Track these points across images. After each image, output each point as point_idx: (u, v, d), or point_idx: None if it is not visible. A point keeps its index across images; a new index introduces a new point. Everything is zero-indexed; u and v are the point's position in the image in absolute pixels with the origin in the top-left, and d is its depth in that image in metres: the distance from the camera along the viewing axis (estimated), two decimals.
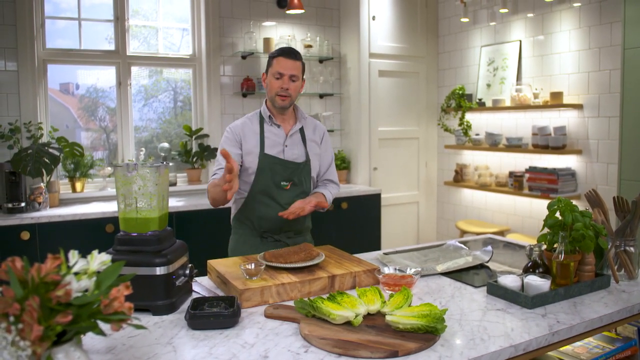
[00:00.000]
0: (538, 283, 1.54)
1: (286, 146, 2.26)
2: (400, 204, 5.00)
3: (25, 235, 3.15)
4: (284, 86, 2.19)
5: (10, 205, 3.31)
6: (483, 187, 4.52)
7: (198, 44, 4.32)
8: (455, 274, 1.85)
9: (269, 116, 2.27)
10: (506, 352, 1.25)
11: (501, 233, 4.31)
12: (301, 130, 2.32)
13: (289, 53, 2.20)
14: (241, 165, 2.22)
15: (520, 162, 4.37)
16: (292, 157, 2.26)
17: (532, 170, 4.10)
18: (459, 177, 4.82)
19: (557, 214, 1.69)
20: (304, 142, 2.31)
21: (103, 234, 3.34)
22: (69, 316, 0.85)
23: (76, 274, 0.94)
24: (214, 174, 2.20)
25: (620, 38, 3.34)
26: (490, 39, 4.58)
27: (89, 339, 1.26)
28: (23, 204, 3.34)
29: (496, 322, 1.39)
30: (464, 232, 4.51)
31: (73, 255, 0.96)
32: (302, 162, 2.27)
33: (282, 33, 4.50)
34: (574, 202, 1.84)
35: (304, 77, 2.29)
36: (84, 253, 0.99)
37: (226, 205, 2.22)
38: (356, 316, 1.34)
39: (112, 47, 4.05)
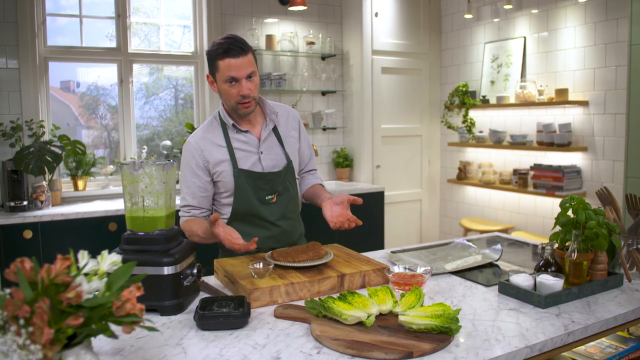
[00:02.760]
0: (551, 282, 1.52)
1: (261, 153, 1.94)
2: (403, 202, 4.98)
3: (28, 234, 3.13)
4: (243, 92, 1.80)
5: (12, 204, 3.28)
6: (487, 184, 4.49)
7: (200, 41, 4.29)
8: (464, 273, 1.83)
9: (233, 124, 1.92)
10: (522, 353, 1.22)
11: (505, 231, 4.30)
12: (274, 128, 1.99)
13: (233, 50, 1.77)
14: (214, 183, 1.95)
15: (525, 159, 4.35)
16: (271, 164, 1.95)
17: (536, 167, 4.08)
18: (463, 175, 4.79)
19: (570, 212, 1.66)
20: (281, 142, 2.00)
21: (106, 233, 3.31)
22: (80, 319, 0.82)
23: (86, 274, 0.92)
24: (184, 212, 1.95)
25: (627, 34, 3.31)
26: (494, 36, 4.55)
27: (96, 340, 1.24)
28: (25, 203, 3.32)
29: (510, 322, 1.37)
30: (467, 230, 4.49)
31: (83, 255, 0.93)
32: (284, 168, 1.97)
33: (284, 30, 4.47)
34: None
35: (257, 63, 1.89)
36: (87, 252, 0.96)
37: None
38: (368, 316, 1.32)
39: (113, 44, 4.02)
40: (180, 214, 1.97)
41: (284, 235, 2.02)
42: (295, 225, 2.09)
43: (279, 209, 1.98)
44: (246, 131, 1.94)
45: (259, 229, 1.96)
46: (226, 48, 1.78)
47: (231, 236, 1.65)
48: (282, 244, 2.03)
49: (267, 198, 1.94)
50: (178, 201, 3.55)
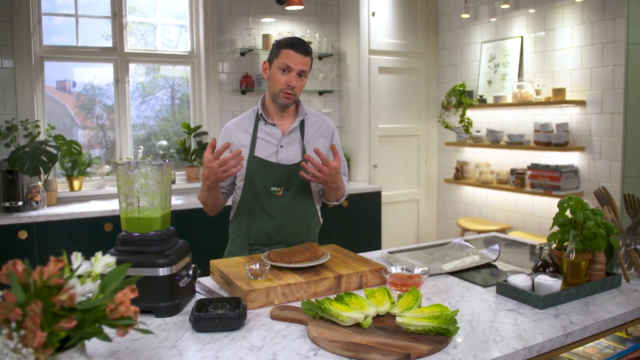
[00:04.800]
0: (549, 283, 1.51)
1: (281, 146, 2.02)
2: (400, 202, 4.97)
3: (23, 235, 3.11)
4: (290, 83, 1.95)
5: (7, 204, 3.26)
6: (484, 184, 4.49)
7: (196, 41, 4.27)
8: (462, 274, 1.82)
9: (261, 114, 2.04)
10: (520, 355, 1.22)
11: (502, 231, 4.29)
12: (301, 126, 2.07)
13: (299, 47, 1.95)
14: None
15: (522, 159, 4.34)
16: (287, 158, 2.02)
17: (534, 167, 4.07)
18: (460, 175, 4.79)
19: (568, 212, 1.65)
20: (302, 139, 2.07)
21: (102, 233, 3.30)
22: (73, 321, 0.81)
23: (80, 276, 0.90)
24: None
25: (624, 34, 3.31)
26: (491, 35, 4.55)
27: (90, 343, 1.22)
28: (20, 203, 3.30)
29: (508, 323, 1.36)
30: (464, 230, 4.49)
31: (76, 257, 0.92)
32: (296, 164, 2.01)
33: (281, 29, 4.46)
34: None
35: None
36: (83, 252, 0.95)
37: (227, 204, 2.14)
38: (365, 318, 1.31)
39: (109, 44, 4.00)
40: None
41: (281, 231, 2.02)
42: (298, 227, 2.06)
43: (282, 204, 2.01)
44: (273, 124, 2.05)
45: (258, 219, 2.02)
46: (294, 42, 1.96)
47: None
48: (279, 241, 2.04)
49: (272, 189, 2.00)
50: (177, 201, 3.56)
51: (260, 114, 2.04)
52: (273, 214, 2.01)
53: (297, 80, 1.96)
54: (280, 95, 1.98)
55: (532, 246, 2.26)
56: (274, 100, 2.02)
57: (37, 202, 3.39)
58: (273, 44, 2.01)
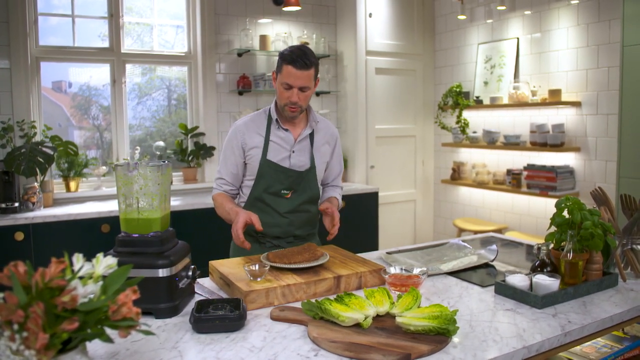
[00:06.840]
0: (547, 282, 1.52)
1: (293, 152, 2.10)
2: (397, 202, 4.98)
3: (19, 236, 3.09)
4: (292, 99, 1.99)
5: (3, 205, 3.24)
6: (480, 185, 4.50)
7: (193, 42, 4.27)
8: (460, 274, 1.83)
9: (277, 119, 2.09)
10: (519, 354, 1.22)
11: (499, 231, 4.31)
12: (310, 134, 2.14)
13: (299, 63, 1.94)
14: (245, 165, 2.11)
15: (518, 159, 4.36)
16: (299, 164, 2.10)
17: (530, 168, 4.09)
18: (456, 175, 4.80)
19: (565, 212, 1.66)
20: (312, 147, 2.15)
21: (99, 234, 3.29)
22: (76, 323, 0.81)
23: (81, 278, 0.90)
24: (217, 185, 2.14)
25: (619, 35, 3.33)
26: (488, 37, 4.57)
27: (90, 344, 1.22)
28: (17, 204, 3.28)
29: (507, 323, 1.37)
30: (461, 230, 4.50)
31: (77, 258, 0.92)
32: (306, 170, 2.11)
33: (278, 30, 4.46)
34: None
35: (318, 76, 2.07)
36: (80, 254, 0.95)
37: None
38: (365, 318, 1.31)
39: (105, 44, 3.99)
40: (214, 185, 2.19)
41: (291, 226, 2.11)
42: (306, 223, 2.17)
43: (291, 205, 2.10)
44: (286, 129, 2.10)
45: (268, 216, 2.08)
46: (294, 58, 1.95)
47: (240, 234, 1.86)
48: (287, 236, 2.13)
49: (282, 192, 2.09)
50: (174, 202, 3.56)
51: (276, 119, 2.08)
52: (283, 213, 2.10)
53: (299, 95, 1.99)
54: (285, 109, 2.04)
55: (529, 246, 2.27)
56: (282, 111, 2.07)
57: (33, 203, 3.37)
58: (279, 55, 2.03)
